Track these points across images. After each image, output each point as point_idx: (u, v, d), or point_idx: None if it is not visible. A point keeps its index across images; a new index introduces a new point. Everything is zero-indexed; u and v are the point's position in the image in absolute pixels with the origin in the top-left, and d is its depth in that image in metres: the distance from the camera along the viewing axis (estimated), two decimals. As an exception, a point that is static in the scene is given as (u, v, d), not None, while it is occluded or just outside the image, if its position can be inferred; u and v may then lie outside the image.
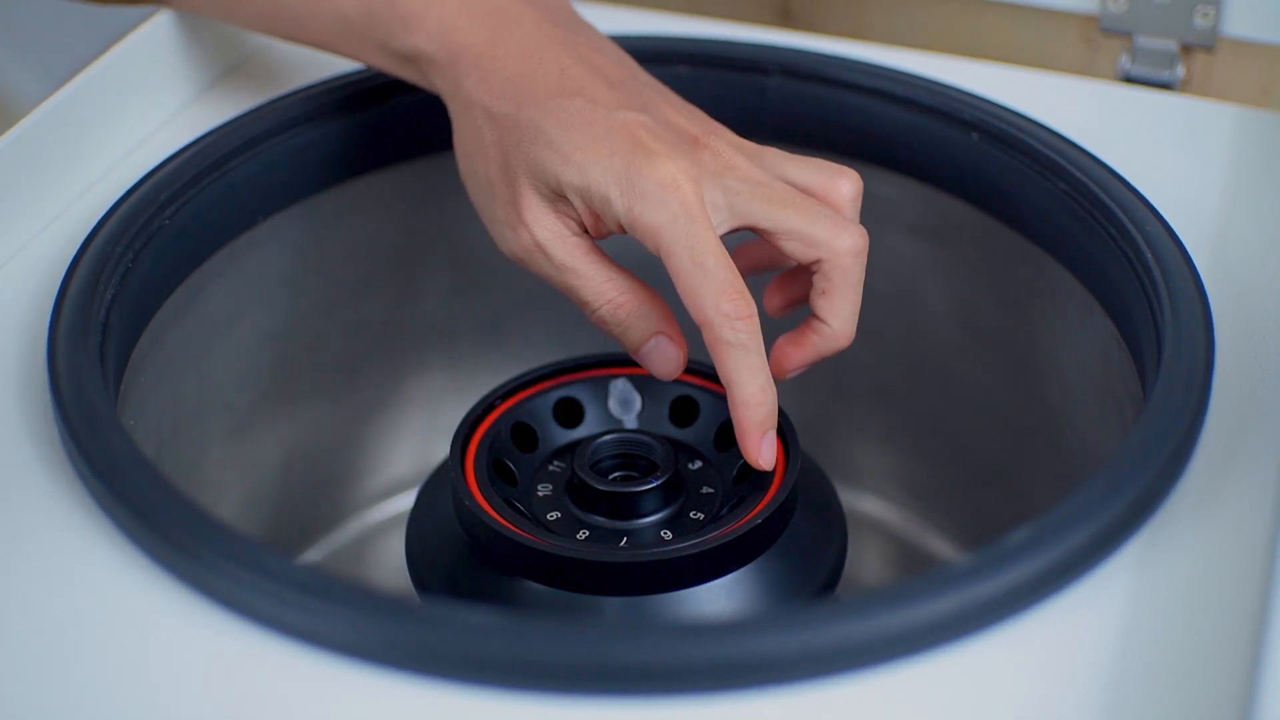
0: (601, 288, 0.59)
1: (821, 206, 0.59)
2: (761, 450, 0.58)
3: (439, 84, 0.62)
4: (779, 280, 0.64)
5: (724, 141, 0.60)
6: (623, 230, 0.58)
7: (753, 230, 0.58)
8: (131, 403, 0.60)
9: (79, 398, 0.53)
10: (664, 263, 0.56)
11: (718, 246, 0.56)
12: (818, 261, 0.58)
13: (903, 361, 0.77)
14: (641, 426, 0.65)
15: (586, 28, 0.64)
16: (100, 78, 0.66)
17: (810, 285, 0.59)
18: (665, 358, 0.60)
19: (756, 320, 0.57)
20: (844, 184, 0.61)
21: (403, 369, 0.79)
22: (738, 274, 0.56)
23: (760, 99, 0.71)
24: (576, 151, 0.57)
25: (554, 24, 0.62)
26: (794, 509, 0.60)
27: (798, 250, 0.58)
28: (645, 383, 0.66)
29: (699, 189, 0.57)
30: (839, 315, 0.60)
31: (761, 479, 0.61)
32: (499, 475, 0.62)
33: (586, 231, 0.59)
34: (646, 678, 0.45)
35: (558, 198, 0.59)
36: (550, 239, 0.59)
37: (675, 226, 0.56)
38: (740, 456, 0.63)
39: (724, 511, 0.61)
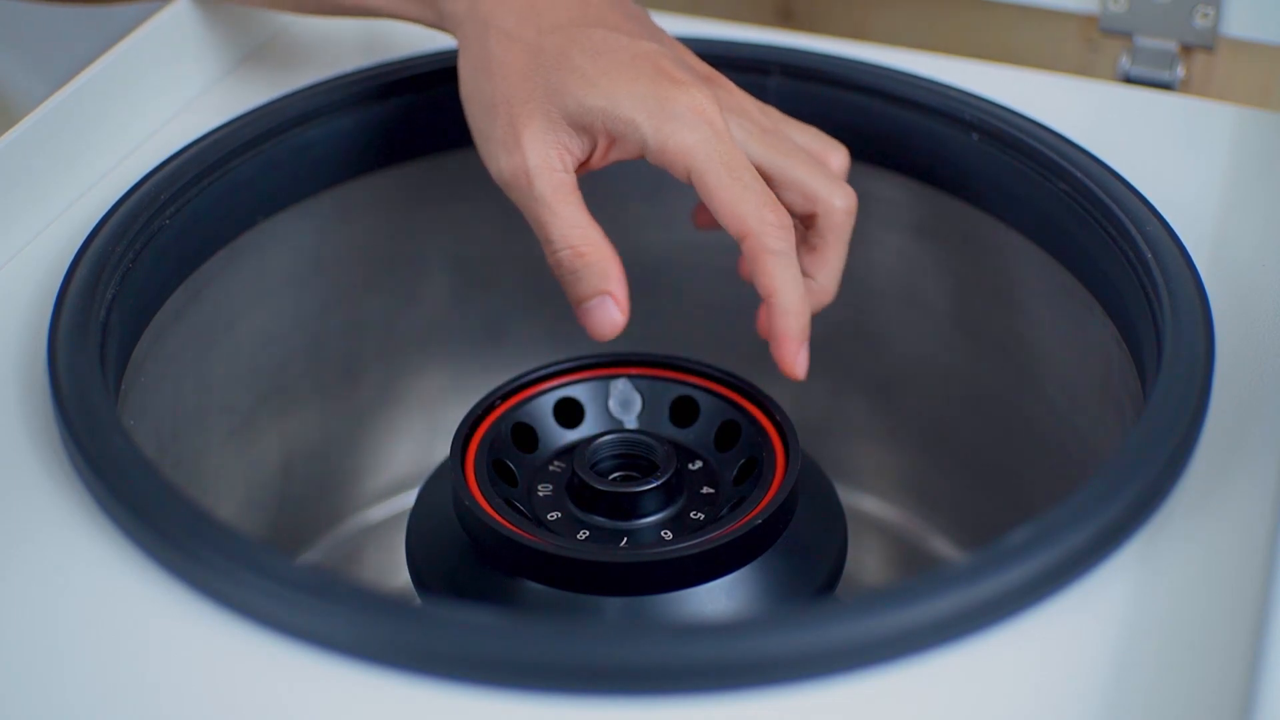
0: (569, 231, 0.60)
1: (819, 164, 0.62)
2: (798, 359, 0.59)
3: (450, 7, 0.63)
4: None
5: (735, 87, 0.63)
6: (640, 155, 0.60)
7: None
8: (132, 403, 0.60)
9: (79, 398, 0.53)
10: (696, 183, 0.58)
11: (749, 163, 0.59)
12: (811, 216, 0.61)
13: (903, 361, 0.77)
14: (642, 427, 0.65)
15: None
16: (101, 78, 0.66)
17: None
18: (607, 317, 0.60)
19: (794, 232, 0.59)
20: (836, 155, 0.65)
21: (403, 369, 0.79)
22: (773, 183, 0.60)
23: (761, 99, 0.71)
24: (602, 77, 0.59)
25: None
26: (794, 509, 0.60)
27: (796, 201, 0.61)
28: (646, 383, 0.66)
29: (723, 114, 0.59)
30: (828, 271, 0.62)
31: (762, 479, 0.61)
32: (499, 475, 0.62)
33: (578, 169, 0.61)
34: (646, 678, 0.45)
35: (566, 127, 0.60)
36: (539, 167, 0.60)
37: (709, 146, 0.58)
38: (741, 456, 0.63)
39: (724, 512, 0.61)
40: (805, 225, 0.62)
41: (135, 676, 0.47)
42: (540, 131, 0.60)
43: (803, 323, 0.59)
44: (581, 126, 0.59)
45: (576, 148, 0.60)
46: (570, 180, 0.60)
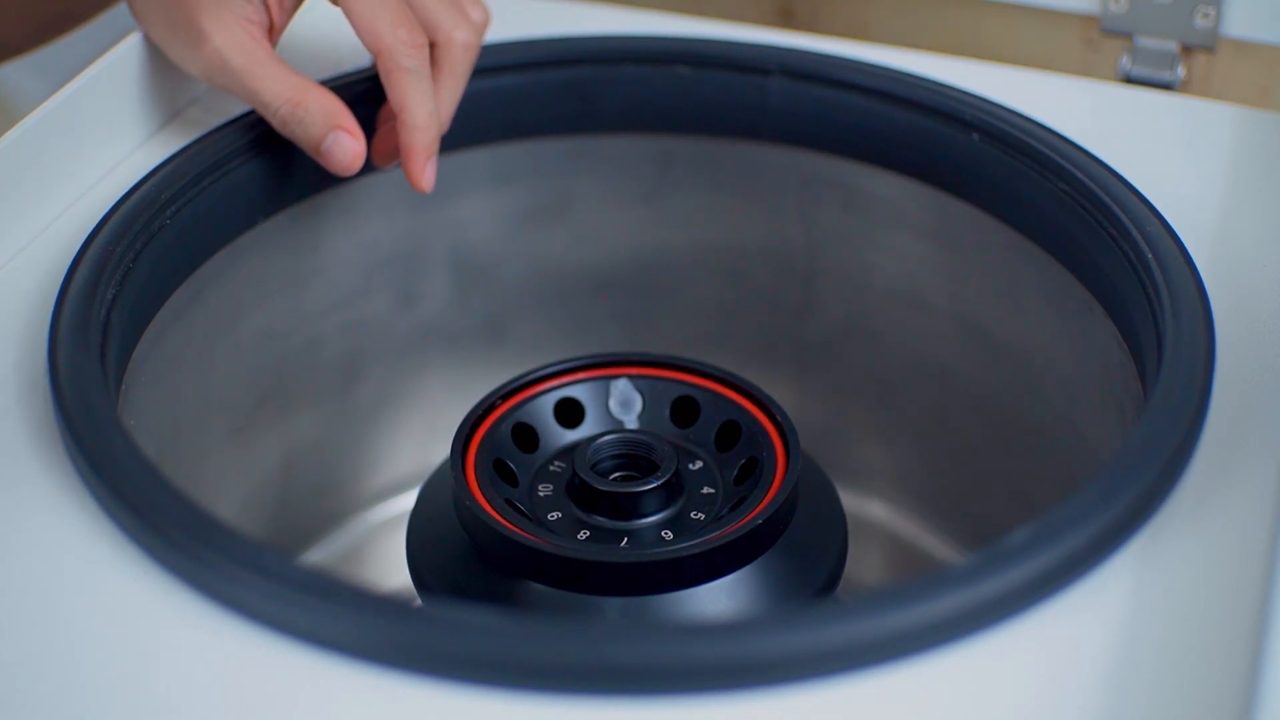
0: (280, 88, 0.63)
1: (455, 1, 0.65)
2: (425, 173, 0.63)
3: None
4: (382, 132, 0.68)
5: None
6: None
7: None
8: (132, 403, 0.60)
9: (80, 398, 0.53)
10: (341, 1, 0.63)
11: None
12: (433, 45, 0.64)
13: (903, 361, 0.77)
14: (642, 427, 0.65)
15: None
16: (102, 77, 0.66)
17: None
18: (344, 149, 0.63)
19: (428, 50, 0.62)
20: (475, 8, 0.66)
21: (403, 369, 0.79)
22: (408, 8, 0.63)
23: (761, 99, 0.71)
24: None
25: None
26: (794, 509, 0.60)
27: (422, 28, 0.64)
28: (646, 383, 0.66)
29: None
30: (442, 100, 0.65)
31: (763, 479, 0.61)
32: (500, 475, 0.62)
33: (270, 36, 0.64)
34: (646, 678, 0.45)
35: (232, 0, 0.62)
36: (228, 44, 0.62)
37: None
38: (741, 456, 0.63)
39: (724, 512, 0.61)
40: (431, 53, 0.64)
41: (135, 676, 0.47)
42: (215, 11, 0.62)
43: (430, 138, 0.63)
44: None
45: (254, 13, 0.63)
46: (264, 47, 0.63)
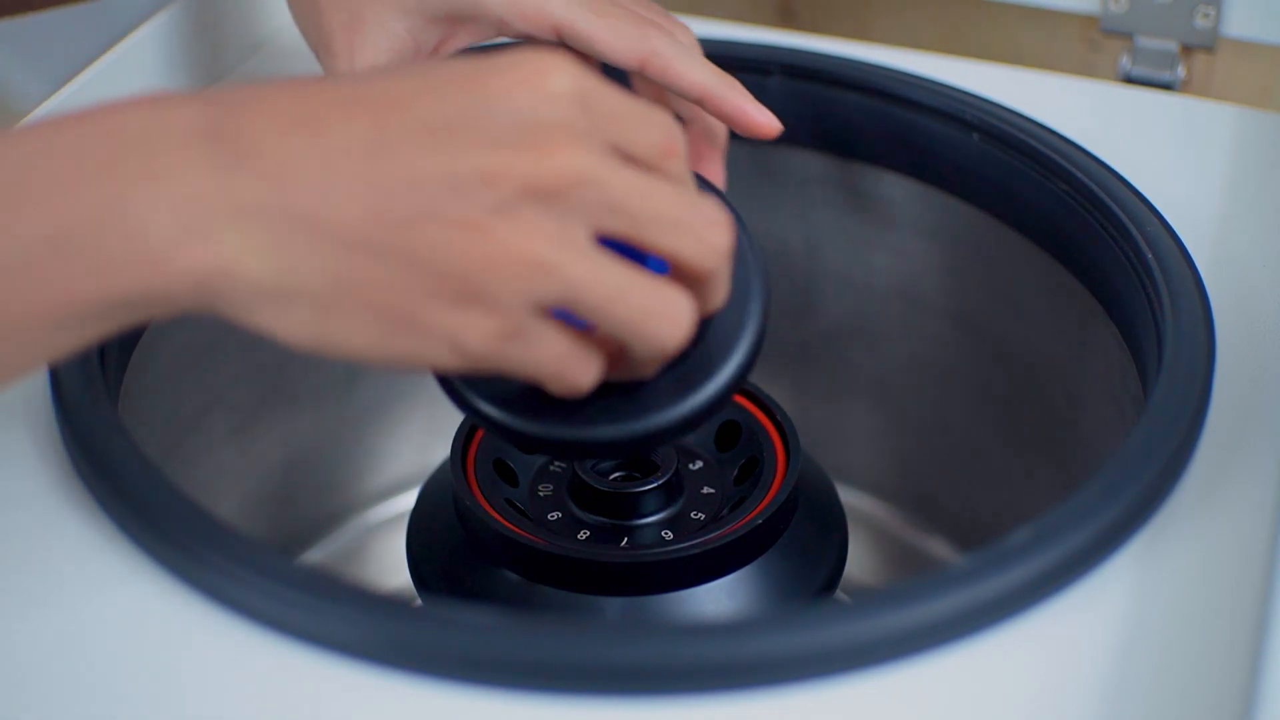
0: None
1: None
2: (765, 115, 0.58)
3: None
4: None
5: None
6: (493, 34, 0.58)
7: None
8: (132, 403, 0.60)
9: (80, 398, 0.53)
10: (567, 34, 0.56)
11: None
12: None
13: (903, 361, 0.77)
14: (642, 427, 0.65)
15: None
16: (101, 77, 0.66)
17: None
18: None
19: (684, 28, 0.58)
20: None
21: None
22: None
23: (761, 99, 0.71)
24: None
25: None
26: (794, 510, 0.60)
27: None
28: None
29: None
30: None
31: (763, 479, 0.61)
32: (500, 475, 0.62)
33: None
34: (646, 678, 0.45)
35: (406, 18, 0.57)
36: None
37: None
38: (741, 456, 0.63)
39: (725, 512, 0.61)
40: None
41: (135, 676, 0.47)
42: (377, 35, 0.58)
43: (740, 88, 0.57)
44: (409, 20, 0.58)
45: (404, 49, 0.58)
46: None
